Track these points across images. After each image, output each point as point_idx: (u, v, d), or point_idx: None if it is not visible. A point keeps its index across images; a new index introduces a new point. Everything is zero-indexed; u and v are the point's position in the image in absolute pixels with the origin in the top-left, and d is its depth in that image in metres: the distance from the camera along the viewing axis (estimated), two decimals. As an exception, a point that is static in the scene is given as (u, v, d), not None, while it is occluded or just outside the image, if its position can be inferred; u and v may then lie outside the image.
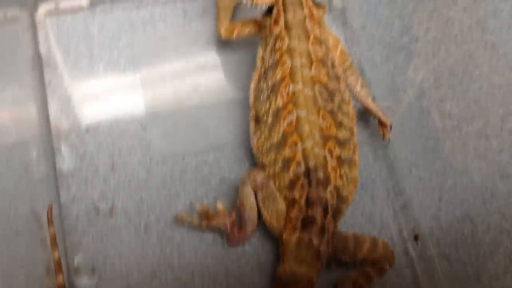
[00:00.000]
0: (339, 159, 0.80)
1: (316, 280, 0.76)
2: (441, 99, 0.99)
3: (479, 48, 1.02)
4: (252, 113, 0.86)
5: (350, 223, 0.89)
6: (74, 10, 0.95)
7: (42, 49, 0.91)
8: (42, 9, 0.94)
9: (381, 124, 0.91)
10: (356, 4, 1.03)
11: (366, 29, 1.02)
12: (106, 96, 0.91)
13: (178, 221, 0.86)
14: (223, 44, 0.96)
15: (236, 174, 0.90)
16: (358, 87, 0.88)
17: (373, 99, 0.91)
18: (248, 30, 0.90)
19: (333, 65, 0.84)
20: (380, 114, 0.90)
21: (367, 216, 0.91)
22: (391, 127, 0.91)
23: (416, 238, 0.89)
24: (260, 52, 0.86)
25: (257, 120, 0.85)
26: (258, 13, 0.87)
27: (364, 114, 0.95)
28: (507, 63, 1.01)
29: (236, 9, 0.94)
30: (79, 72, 0.92)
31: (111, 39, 0.95)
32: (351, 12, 1.03)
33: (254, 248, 0.86)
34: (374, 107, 0.90)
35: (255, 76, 0.86)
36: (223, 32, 0.92)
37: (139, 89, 0.93)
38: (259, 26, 0.88)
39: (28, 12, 0.93)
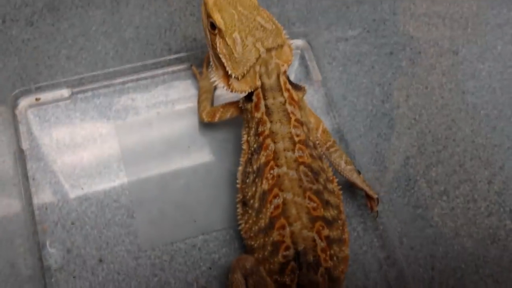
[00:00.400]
0: (328, 239, 0.81)
1: None
2: (427, 165, 1.00)
3: (460, 111, 1.05)
4: (239, 196, 0.87)
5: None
6: (56, 100, 0.97)
7: (24, 144, 0.92)
8: (23, 103, 0.96)
9: (369, 197, 0.92)
10: (336, 75, 1.06)
11: (347, 98, 1.05)
12: (91, 185, 0.92)
13: None
14: (207, 125, 0.98)
15: (226, 256, 0.91)
16: (342, 164, 0.90)
17: (359, 171, 0.92)
18: (229, 113, 0.92)
19: (315, 146, 0.86)
20: (367, 188, 0.91)
21: (363, 291, 0.91)
22: (378, 200, 0.92)
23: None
24: (244, 136, 0.88)
25: (244, 203, 0.86)
26: (238, 97, 0.90)
27: (351, 187, 0.96)
28: (489, 123, 1.03)
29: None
30: (63, 163, 0.93)
31: (94, 127, 0.96)
32: (331, 83, 1.06)
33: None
34: (360, 182, 0.91)
35: (242, 160, 0.88)
36: (204, 116, 0.94)
37: (124, 177, 0.93)
38: (240, 109, 0.90)
39: (9, 107, 0.95)
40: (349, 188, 0.96)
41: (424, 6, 1.11)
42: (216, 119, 0.93)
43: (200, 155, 0.97)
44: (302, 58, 1.07)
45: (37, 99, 0.96)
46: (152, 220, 0.92)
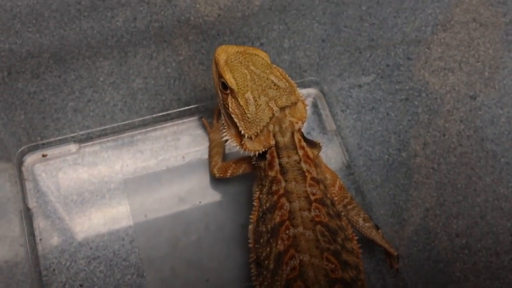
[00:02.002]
0: (347, 302, 0.82)
1: None
2: (447, 217, 1.02)
3: (480, 159, 1.07)
4: (253, 256, 0.89)
5: None
6: (63, 155, 1.00)
7: (31, 202, 0.96)
8: (29, 160, 0.99)
9: (389, 254, 0.94)
10: (350, 123, 1.09)
11: (362, 147, 1.07)
12: (99, 244, 0.95)
13: None
14: (218, 178, 1.00)
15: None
16: (361, 222, 0.92)
17: (378, 227, 0.94)
18: (242, 169, 0.95)
19: (332, 203, 0.89)
20: (386, 246, 0.94)
21: None
22: (398, 257, 0.94)
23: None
24: (256, 192, 0.91)
25: (258, 264, 0.88)
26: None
27: (369, 242, 0.98)
28: (511, 172, 1.05)
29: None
30: (71, 221, 0.96)
31: (102, 182, 0.99)
32: (345, 131, 1.09)
33: None
34: (379, 240, 0.93)
35: (253, 218, 0.90)
36: (216, 171, 0.97)
37: (134, 234, 0.96)
38: (253, 165, 0.93)
39: (15, 164, 0.98)
40: (368, 243, 0.98)
41: (439, 50, 1.14)
42: (228, 175, 0.96)
43: (212, 210, 1.00)
44: (315, 106, 1.10)
45: (44, 155, 0.99)
46: (163, 280, 0.94)
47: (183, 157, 1.03)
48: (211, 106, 1.08)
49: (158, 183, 1.00)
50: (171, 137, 1.05)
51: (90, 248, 0.94)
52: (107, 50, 1.08)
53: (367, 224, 0.93)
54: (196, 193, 1.00)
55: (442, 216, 1.03)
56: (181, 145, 1.04)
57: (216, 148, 0.99)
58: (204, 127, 1.06)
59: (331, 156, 1.05)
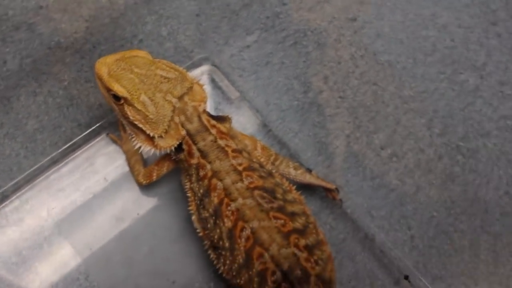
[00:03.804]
0: (307, 248, 0.91)
1: None
2: (367, 135, 1.13)
3: (378, 72, 1.17)
4: (207, 243, 0.96)
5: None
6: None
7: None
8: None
9: (328, 190, 1.03)
10: (251, 84, 1.16)
11: (270, 103, 1.16)
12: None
13: None
14: (146, 185, 1.05)
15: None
16: (292, 172, 1.00)
17: (310, 169, 1.03)
18: (165, 168, 1.00)
19: (261, 166, 0.96)
20: (323, 183, 1.03)
21: (352, 275, 1.01)
22: (337, 189, 1.03)
23: (406, 277, 1.01)
24: (187, 184, 0.97)
25: (215, 247, 0.94)
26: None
27: (307, 187, 1.07)
28: (408, 73, 1.17)
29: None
30: (20, 282, 0.98)
31: (34, 234, 1.01)
32: (250, 94, 1.15)
33: None
34: (315, 180, 1.02)
35: (192, 208, 0.97)
36: (141, 179, 1.02)
37: (86, 270, 0.99)
38: (175, 160, 0.98)
39: None
40: (307, 188, 1.06)
41: (307, -14, 1.22)
42: (154, 178, 1.01)
43: (153, 216, 1.05)
44: (213, 81, 1.15)
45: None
46: None
47: (105, 178, 1.06)
48: (113, 119, 1.11)
49: (90, 213, 1.03)
50: (86, 163, 1.08)
51: (50, 301, 0.97)
52: (-12, 104, 1.08)
53: (299, 171, 1.01)
54: (131, 207, 1.04)
55: (363, 137, 1.13)
56: (99, 168, 1.07)
57: (133, 157, 1.03)
58: (114, 142, 1.09)
59: (244, 121, 1.12)
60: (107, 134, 1.08)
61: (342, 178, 1.09)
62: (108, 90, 0.90)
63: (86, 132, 1.09)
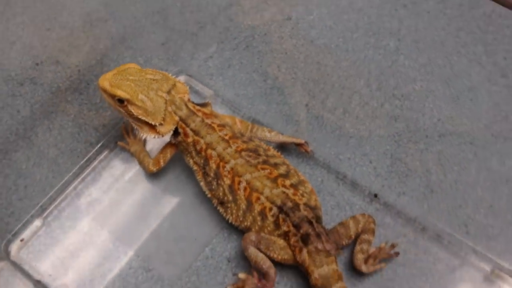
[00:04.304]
0: (292, 186, 1.17)
1: (338, 267, 1.11)
2: (322, 101, 1.42)
3: (318, 53, 1.48)
4: (215, 201, 1.22)
5: (329, 221, 1.25)
6: (35, 233, 1.25)
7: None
8: (14, 249, 1.22)
9: (299, 145, 1.31)
10: (220, 83, 1.46)
11: (239, 94, 1.45)
12: (106, 275, 1.20)
13: None
14: (158, 175, 1.32)
15: (233, 248, 1.24)
16: (268, 134, 1.28)
17: (282, 133, 1.30)
18: (169, 153, 1.27)
19: (242, 134, 1.25)
20: (293, 140, 1.31)
21: (335, 206, 1.28)
22: (306, 142, 1.31)
23: (376, 195, 1.28)
24: (190, 160, 1.24)
25: (221, 203, 1.20)
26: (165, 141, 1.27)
27: (283, 147, 1.34)
28: (342, 48, 1.48)
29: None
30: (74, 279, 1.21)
31: (79, 236, 1.26)
32: (221, 91, 1.45)
33: (285, 287, 1.19)
34: (286, 139, 1.30)
35: (199, 177, 1.24)
36: (152, 167, 1.28)
37: (129, 252, 1.23)
38: (175, 145, 1.25)
39: (5, 259, 1.21)
40: (282, 147, 1.35)
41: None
42: (162, 164, 1.27)
43: (169, 200, 1.31)
44: (190, 87, 1.44)
45: (21, 240, 1.22)
46: (167, 261, 1.23)
47: (123, 177, 1.32)
48: (116, 133, 1.38)
49: (116, 206, 1.29)
50: (103, 171, 1.34)
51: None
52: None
53: (273, 133, 1.29)
54: (149, 194, 1.31)
55: (318, 104, 1.43)
56: (115, 171, 1.33)
57: (141, 154, 1.30)
58: (123, 147, 1.35)
59: (221, 112, 1.39)
60: (116, 143, 1.35)
61: (309, 137, 1.37)
62: (113, 97, 1.18)
63: (98, 147, 1.36)
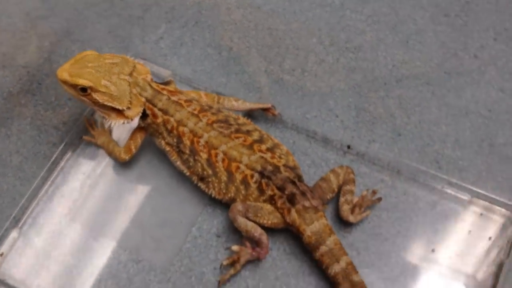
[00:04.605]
0: (269, 150, 1.18)
1: (327, 221, 1.14)
2: (279, 64, 1.43)
3: (267, 17, 1.48)
4: (194, 178, 1.22)
5: (308, 179, 1.28)
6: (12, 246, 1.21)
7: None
8: None
9: (266, 110, 1.32)
10: (176, 62, 1.45)
11: (197, 69, 1.45)
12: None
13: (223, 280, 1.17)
14: (130, 164, 1.30)
15: (221, 222, 1.24)
16: (235, 103, 1.29)
17: (247, 101, 1.31)
18: (139, 138, 1.25)
19: (210, 106, 1.24)
20: (260, 105, 1.33)
21: (311, 164, 1.30)
22: (273, 106, 1.32)
23: (349, 147, 1.31)
24: (162, 142, 1.23)
25: (202, 178, 1.20)
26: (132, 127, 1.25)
27: (249, 113, 1.36)
28: (287, 13, 1.49)
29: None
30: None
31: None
32: (180, 69, 1.44)
33: (279, 251, 1.20)
34: (253, 105, 1.32)
35: (174, 156, 1.22)
36: (123, 155, 1.26)
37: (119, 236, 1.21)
38: (143, 129, 1.23)
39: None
40: (250, 114, 1.36)
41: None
42: (134, 150, 1.26)
43: (145, 187, 1.29)
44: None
45: (1, 255, 1.18)
46: (155, 248, 1.22)
47: (94, 171, 1.29)
48: (82, 127, 1.34)
49: (93, 200, 1.27)
50: (73, 169, 1.30)
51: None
52: None
53: (239, 102, 1.30)
54: (125, 183, 1.29)
55: (276, 67, 1.44)
56: (85, 168, 1.30)
57: (110, 144, 1.27)
58: (89, 141, 1.32)
59: (184, 88, 1.38)
60: (81, 138, 1.31)
61: (274, 101, 1.38)
62: (75, 87, 1.14)
63: (62, 146, 1.32)
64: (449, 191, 1.27)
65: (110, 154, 1.28)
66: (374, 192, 1.25)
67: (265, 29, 1.50)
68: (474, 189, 1.27)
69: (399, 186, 1.28)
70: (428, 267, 1.20)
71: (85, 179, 1.30)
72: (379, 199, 1.24)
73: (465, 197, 1.26)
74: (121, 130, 1.35)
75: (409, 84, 1.42)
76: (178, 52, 1.47)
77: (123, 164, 1.30)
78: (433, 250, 1.21)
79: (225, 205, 1.23)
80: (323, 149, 1.33)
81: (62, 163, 1.30)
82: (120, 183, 1.29)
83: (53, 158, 1.30)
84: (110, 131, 1.32)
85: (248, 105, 1.31)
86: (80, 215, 1.26)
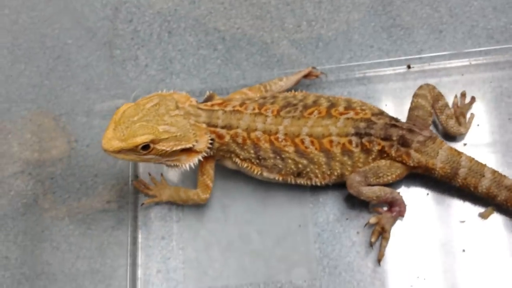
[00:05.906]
0: (347, 108, 1.08)
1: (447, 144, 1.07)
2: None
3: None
4: (290, 178, 1.09)
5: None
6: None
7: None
8: None
9: (308, 75, 1.21)
10: (174, 79, 1.29)
11: (207, 79, 1.28)
12: None
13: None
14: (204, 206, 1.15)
15: (334, 211, 1.13)
16: (281, 83, 1.17)
17: (288, 75, 1.20)
18: (211, 170, 1.10)
19: (263, 98, 1.12)
20: (302, 73, 1.21)
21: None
22: (314, 68, 1.21)
23: (409, 67, 1.24)
24: (236, 160, 1.08)
25: (299, 174, 1.08)
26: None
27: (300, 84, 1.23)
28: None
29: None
30: None
31: None
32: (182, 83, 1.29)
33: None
34: (297, 76, 1.20)
35: (256, 171, 1.09)
36: (203, 195, 1.11)
37: None
38: (211, 157, 1.09)
39: None
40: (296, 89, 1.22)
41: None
42: (211, 184, 1.10)
43: (236, 216, 1.16)
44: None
45: None
46: (288, 268, 1.11)
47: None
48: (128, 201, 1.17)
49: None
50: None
51: None
52: None
53: (284, 79, 1.18)
54: (217, 214, 1.16)
55: (280, 34, 1.32)
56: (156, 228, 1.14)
57: (180, 192, 1.12)
58: (152, 203, 1.16)
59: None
60: (142, 204, 1.15)
61: (300, 65, 1.26)
62: (134, 149, 0.98)
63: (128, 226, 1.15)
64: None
65: (186, 201, 1.12)
66: (463, 95, 1.17)
67: (242, 2, 1.37)
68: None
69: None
70: None
71: (168, 244, 1.13)
72: (473, 99, 1.17)
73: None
74: (171, 173, 1.19)
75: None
76: (174, 70, 1.30)
77: (202, 207, 1.15)
78: None
79: (330, 188, 1.12)
80: (382, 84, 1.24)
81: (138, 244, 1.13)
82: (212, 228, 1.15)
83: (128, 241, 1.14)
84: (165, 181, 1.16)
85: (293, 78, 1.19)
86: (195, 276, 1.11)
